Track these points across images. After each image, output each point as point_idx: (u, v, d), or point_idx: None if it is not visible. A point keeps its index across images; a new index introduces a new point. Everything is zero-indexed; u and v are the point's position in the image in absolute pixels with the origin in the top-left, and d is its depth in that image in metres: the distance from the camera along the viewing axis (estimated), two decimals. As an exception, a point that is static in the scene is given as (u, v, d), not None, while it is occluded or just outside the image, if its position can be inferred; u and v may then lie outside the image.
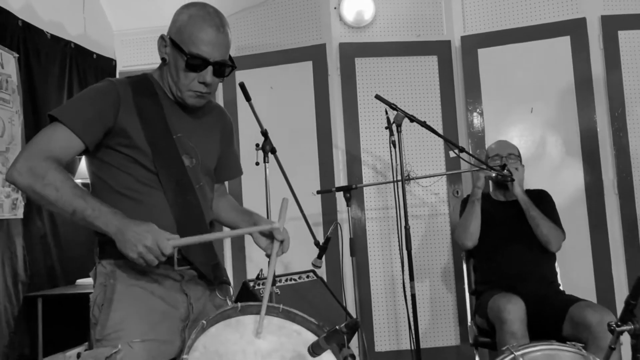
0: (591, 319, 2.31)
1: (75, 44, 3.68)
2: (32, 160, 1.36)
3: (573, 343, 1.57)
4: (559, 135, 3.56)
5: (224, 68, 1.53)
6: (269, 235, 1.57)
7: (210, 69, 1.50)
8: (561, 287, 2.87)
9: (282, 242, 1.55)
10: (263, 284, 2.74)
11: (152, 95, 1.56)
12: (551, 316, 2.52)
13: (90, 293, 1.51)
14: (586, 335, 2.30)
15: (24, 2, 3.29)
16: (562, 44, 3.55)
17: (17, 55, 3.11)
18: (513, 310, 2.40)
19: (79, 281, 3.32)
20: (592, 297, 3.31)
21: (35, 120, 3.23)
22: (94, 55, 3.89)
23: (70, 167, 3.16)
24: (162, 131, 1.53)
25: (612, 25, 3.48)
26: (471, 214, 2.88)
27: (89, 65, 3.82)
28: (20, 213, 3.06)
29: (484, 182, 2.92)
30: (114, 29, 4.19)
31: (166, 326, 1.46)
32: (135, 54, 4.18)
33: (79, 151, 1.46)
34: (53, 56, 3.47)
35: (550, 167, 3.55)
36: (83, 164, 3.20)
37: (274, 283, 2.68)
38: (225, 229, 1.74)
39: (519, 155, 3.04)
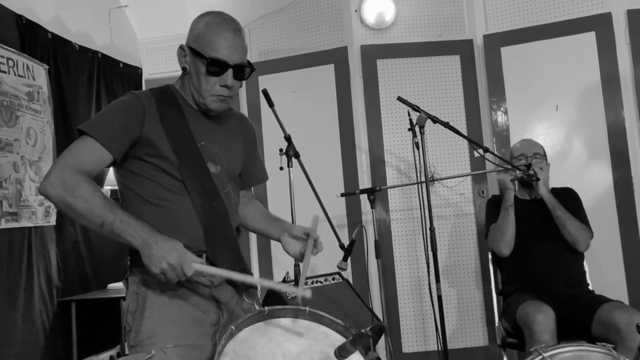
0: (619, 320, 2.27)
1: (102, 54, 3.77)
2: (64, 173, 1.40)
3: (603, 344, 1.55)
4: (585, 133, 3.50)
5: (243, 70, 1.57)
6: (299, 239, 1.66)
7: (230, 71, 1.53)
8: (590, 287, 2.83)
9: (316, 240, 1.63)
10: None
11: (175, 105, 1.60)
12: (580, 316, 2.49)
13: (121, 297, 1.55)
14: (615, 336, 2.26)
15: (53, 15, 3.39)
16: (588, 40, 3.50)
17: (47, 66, 3.20)
18: (543, 322, 2.37)
19: (110, 285, 3.39)
20: (623, 296, 3.26)
21: (65, 129, 3.32)
22: (121, 64, 3.98)
23: (99, 177, 3.23)
24: (186, 140, 1.56)
25: (639, 19, 3.41)
26: (507, 221, 2.82)
27: (116, 74, 3.91)
28: (53, 220, 3.14)
29: (512, 184, 2.89)
30: (139, 38, 4.28)
31: (198, 331, 1.50)
32: (161, 61, 4.26)
33: (108, 163, 1.50)
34: (81, 66, 3.56)
35: (577, 165, 3.50)
36: (112, 172, 3.27)
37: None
38: (256, 276, 1.63)
39: (545, 154, 3.00)
